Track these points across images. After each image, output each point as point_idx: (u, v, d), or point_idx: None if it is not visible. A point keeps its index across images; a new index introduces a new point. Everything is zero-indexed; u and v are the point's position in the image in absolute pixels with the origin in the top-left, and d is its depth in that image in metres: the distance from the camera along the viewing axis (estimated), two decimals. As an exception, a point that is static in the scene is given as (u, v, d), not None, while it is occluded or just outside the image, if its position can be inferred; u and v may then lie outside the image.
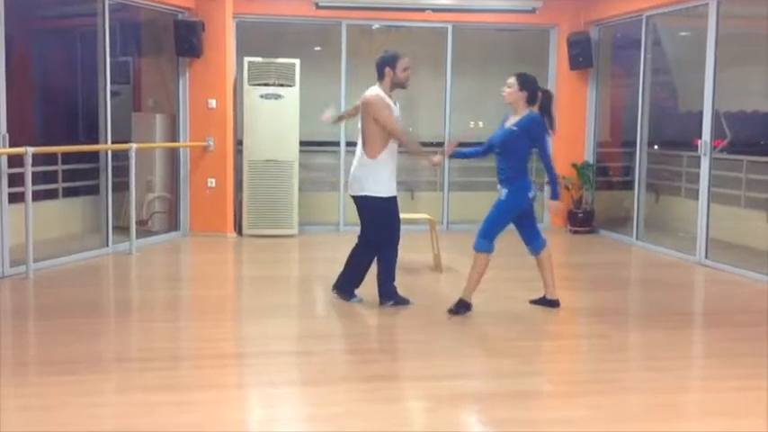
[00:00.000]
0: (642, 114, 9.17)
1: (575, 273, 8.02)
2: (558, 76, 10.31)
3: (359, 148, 5.94)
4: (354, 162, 5.98)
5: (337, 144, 10.01)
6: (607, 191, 10.57)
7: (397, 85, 5.99)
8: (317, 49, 10.60)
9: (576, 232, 9.90)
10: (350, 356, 4.96)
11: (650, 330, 5.57)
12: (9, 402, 4.08)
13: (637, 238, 9.14)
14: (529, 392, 4.25)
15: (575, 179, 9.98)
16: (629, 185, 9.67)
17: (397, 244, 6.06)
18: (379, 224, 5.91)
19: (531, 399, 4.16)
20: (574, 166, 10.00)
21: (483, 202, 10.56)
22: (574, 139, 10.21)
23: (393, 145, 5.92)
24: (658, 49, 9.52)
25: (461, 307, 5.77)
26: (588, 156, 10.20)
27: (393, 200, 5.96)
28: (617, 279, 7.55)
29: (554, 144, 10.38)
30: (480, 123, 11.13)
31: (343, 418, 3.83)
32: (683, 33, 10.12)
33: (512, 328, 5.55)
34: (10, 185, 6.93)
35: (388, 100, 5.90)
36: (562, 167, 10.09)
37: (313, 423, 3.82)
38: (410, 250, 8.22)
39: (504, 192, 5.85)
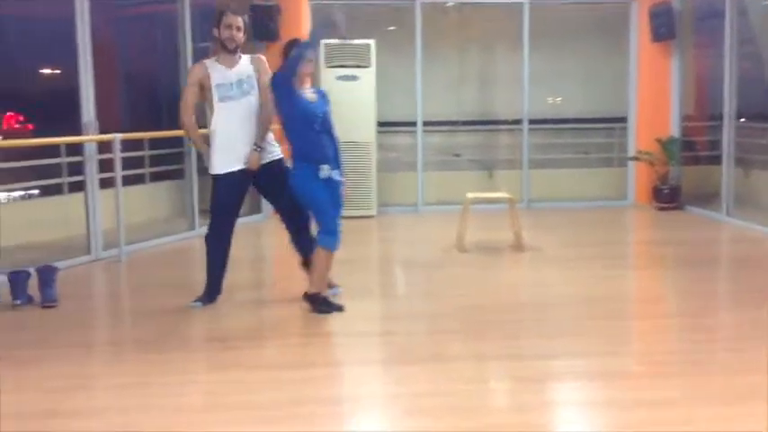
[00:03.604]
0: (729, 86, 8.87)
1: (662, 250, 7.84)
2: (639, 48, 10.04)
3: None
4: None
5: (414, 124, 10.01)
6: (694, 166, 10.28)
7: (223, 47, 5.37)
8: (392, 28, 10.58)
9: (662, 209, 9.67)
10: (433, 336, 4.96)
11: (740, 309, 5.40)
12: (105, 380, 4.24)
13: (727, 214, 8.86)
14: (616, 373, 4.18)
15: (659, 154, 9.73)
16: (716, 160, 9.37)
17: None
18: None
19: (619, 379, 4.08)
20: (658, 141, 9.75)
21: (564, 180, 10.55)
22: (657, 114, 9.95)
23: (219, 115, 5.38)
24: (744, 19, 9.16)
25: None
26: (673, 130, 9.92)
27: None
28: (705, 256, 7.33)
29: (638, 118, 10.25)
30: (558, 99, 10.96)
31: (427, 398, 3.84)
32: (768, 2, 9.72)
33: (595, 308, 5.46)
34: (99, 171, 7.16)
35: (198, 68, 5.41)
36: (646, 142, 9.89)
37: (398, 401, 3.85)
38: (491, 229, 8.20)
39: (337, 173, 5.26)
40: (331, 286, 5.57)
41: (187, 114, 5.39)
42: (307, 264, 5.55)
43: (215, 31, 5.42)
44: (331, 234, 5.20)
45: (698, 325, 5.09)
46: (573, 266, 6.80)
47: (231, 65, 5.38)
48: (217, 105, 5.33)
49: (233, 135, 5.32)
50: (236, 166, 5.34)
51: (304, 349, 4.74)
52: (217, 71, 5.35)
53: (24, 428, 3.49)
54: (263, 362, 4.45)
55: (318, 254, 5.25)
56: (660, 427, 3.47)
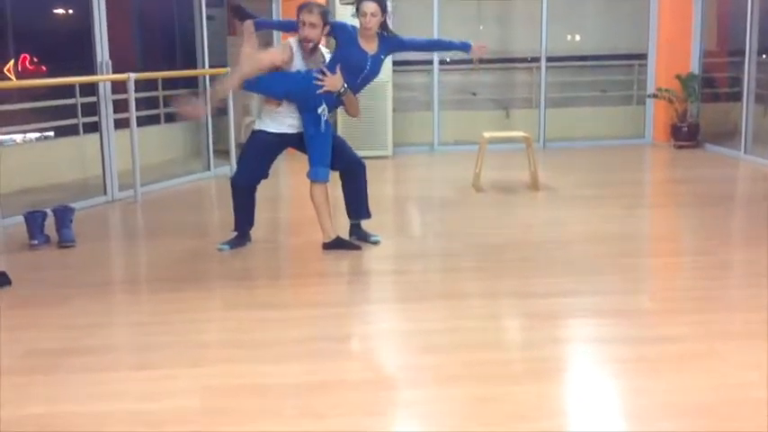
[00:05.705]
0: (751, 22, 8.66)
1: (679, 188, 7.79)
2: (661, -18, 9.83)
3: None
4: None
5: (430, 63, 9.89)
6: (713, 103, 10.12)
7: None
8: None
9: (680, 147, 9.56)
10: (447, 274, 4.99)
11: (757, 247, 5.36)
12: (123, 318, 4.31)
13: (745, 151, 8.76)
14: (629, 310, 4.18)
15: (679, 91, 9.58)
16: (736, 97, 9.22)
17: None
18: None
19: (632, 316, 4.08)
20: (678, 77, 9.59)
21: (581, 119, 10.43)
22: (678, 50, 9.77)
23: None
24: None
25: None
26: (693, 67, 9.75)
27: None
28: (723, 194, 7.27)
29: (657, 55, 10.07)
30: (577, 36, 10.77)
31: (440, 334, 3.87)
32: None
33: (610, 246, 5.44)
34: (114, 112, 7.15)
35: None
36: (666, 79, 9.72)
37: (410, 338, 3.88)
38: (506, 169, 8.17)
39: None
40: (369, 236, 5.57)
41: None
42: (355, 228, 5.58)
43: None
44: (326, 165, 5.26)
45: (713, 262, 5.07)
46: (589, 205, 6.77)
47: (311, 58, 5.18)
48: None
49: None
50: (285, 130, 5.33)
51: (319, 288, 4.78)
52: (299, 59, 5.15)
53: (42, 365, 3.56)
54: (280, 300, 4.49)
55: (318, 193, 5.31)
56: (671, 364, 3.48)
